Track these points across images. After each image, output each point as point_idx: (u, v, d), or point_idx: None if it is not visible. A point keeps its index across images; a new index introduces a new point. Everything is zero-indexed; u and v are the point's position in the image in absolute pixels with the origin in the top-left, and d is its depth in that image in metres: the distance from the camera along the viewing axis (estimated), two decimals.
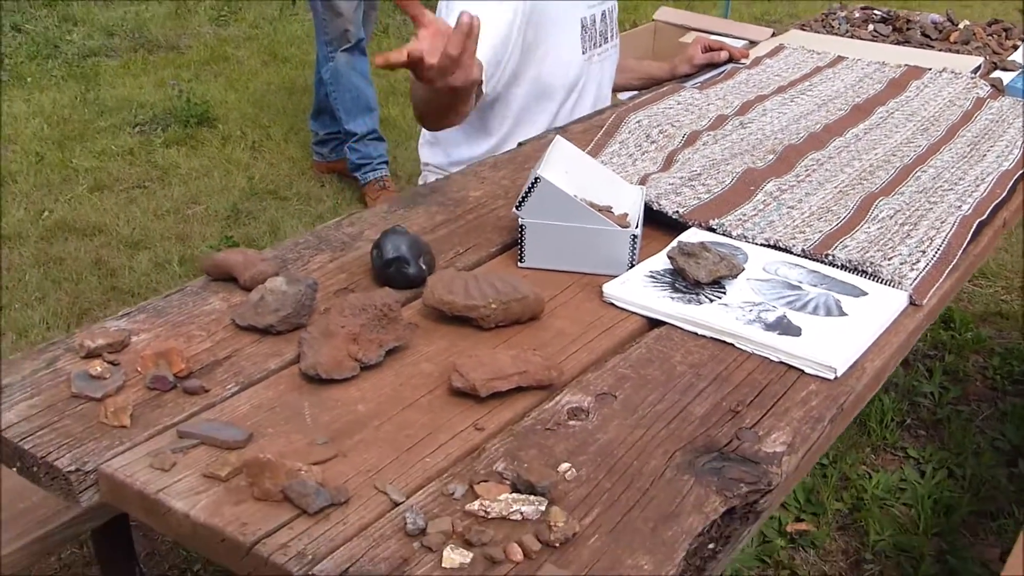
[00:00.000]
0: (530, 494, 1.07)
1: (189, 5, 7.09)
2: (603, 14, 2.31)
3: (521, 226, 1.54)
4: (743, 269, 1.51)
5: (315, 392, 1.24)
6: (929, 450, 2.87)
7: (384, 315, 1.30)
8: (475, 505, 1.05)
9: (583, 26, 2.24)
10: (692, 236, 1.64)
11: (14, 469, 1.16)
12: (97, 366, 1.24)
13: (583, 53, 2.25)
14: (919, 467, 2.81)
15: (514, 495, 1.06)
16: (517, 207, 1.53)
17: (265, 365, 1.29)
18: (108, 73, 5.89)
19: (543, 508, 1.05)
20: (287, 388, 1.25)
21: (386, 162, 4.36)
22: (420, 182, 2.37)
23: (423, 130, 2.31)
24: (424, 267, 1.49)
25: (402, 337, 1.31)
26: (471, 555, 0.99)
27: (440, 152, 2.32)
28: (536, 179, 1.50)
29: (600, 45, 2.31)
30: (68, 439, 1.14)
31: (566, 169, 1.58)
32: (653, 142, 2.00)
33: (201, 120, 5.15)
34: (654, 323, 1.45)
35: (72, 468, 1.10)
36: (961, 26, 2.91)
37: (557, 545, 1.01)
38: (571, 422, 1.21)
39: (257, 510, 1.04)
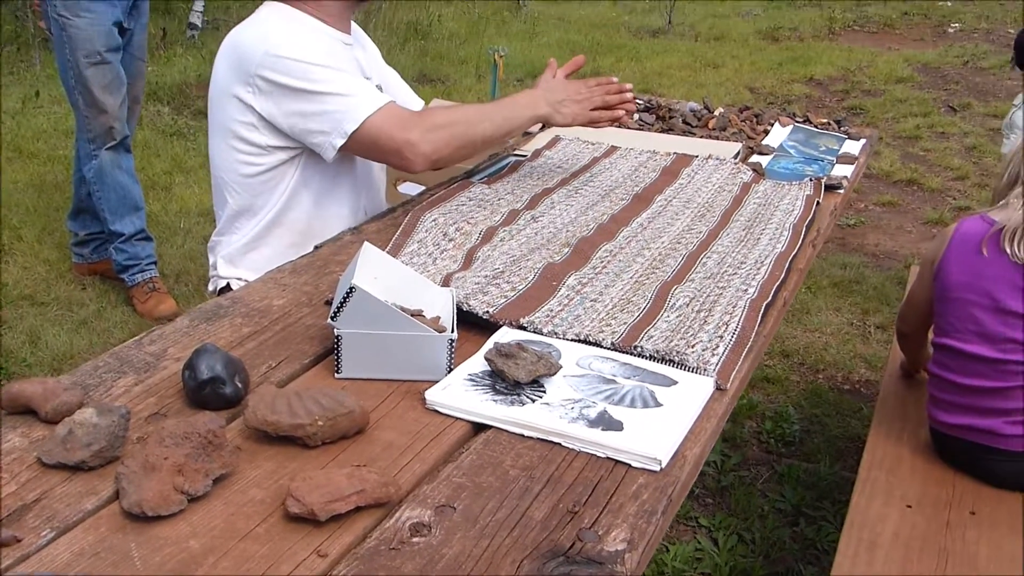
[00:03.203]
0: None
1: None
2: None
3: (337, 337, 1.51)
4: (560, 367, 1.54)
5: (141, 531, 1.16)
6: (719, 517, 2.99)
7: (209, 442, 1.24)
8: None
9: None
10: (504, 335, 1.66)
11: None
12: None
13: None
14: (711, 535, 2.92)
15: None
16: (332, 318, 1.51)
17: (81, 506, 1.20)
18: None
19: None
20: (109, 530, 1.16)
21: (155, 262, 4.19)
22: (210, 288, 2.29)
23: (217, 231, 2.26)
24: (240, 385, 1.43)
25: (229, 464, 1.25)
26: None
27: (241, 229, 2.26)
28: (351, 289, 1.48)
29: None
30: None
31: (375, 275, 1.57)
32: (451, 240, 2.02)
33: None
34: (480, 427, 1.45)
35: None
36: (717, 113, 3.12)
37: None
38: (415, 539, 1.19)
39: None
